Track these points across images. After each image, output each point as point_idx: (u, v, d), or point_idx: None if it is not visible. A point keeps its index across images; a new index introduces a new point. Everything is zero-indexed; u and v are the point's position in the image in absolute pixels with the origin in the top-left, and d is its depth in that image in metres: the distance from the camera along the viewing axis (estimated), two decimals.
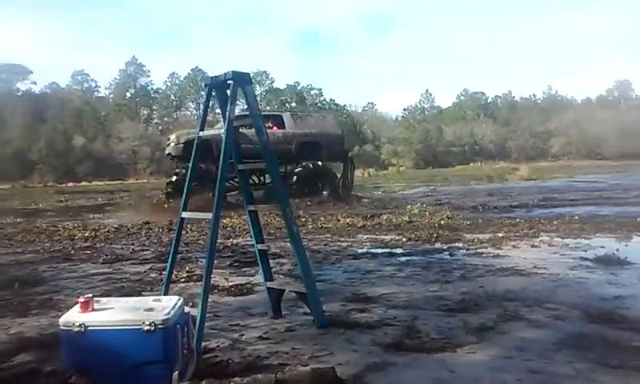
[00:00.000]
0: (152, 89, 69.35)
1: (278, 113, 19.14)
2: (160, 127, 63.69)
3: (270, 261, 4.72)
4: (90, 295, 2.93)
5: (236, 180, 16.14)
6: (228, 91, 4.01)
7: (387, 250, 7.73)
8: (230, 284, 5.65)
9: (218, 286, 5.46)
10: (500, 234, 8.79)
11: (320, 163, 16.56)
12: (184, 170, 16.22)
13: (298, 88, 70.39)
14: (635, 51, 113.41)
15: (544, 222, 10.30)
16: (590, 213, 11.78)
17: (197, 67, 68.62)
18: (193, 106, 68.73)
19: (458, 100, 78.50)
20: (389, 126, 73.76)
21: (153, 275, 6.31)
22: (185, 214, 4.11)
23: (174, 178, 16.37)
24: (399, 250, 7.71)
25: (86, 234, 10.21)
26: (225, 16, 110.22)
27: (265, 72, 69.80)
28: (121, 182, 45.99)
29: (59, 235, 10.27)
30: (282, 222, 4.52)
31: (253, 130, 4.17)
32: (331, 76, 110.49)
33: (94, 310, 2.85)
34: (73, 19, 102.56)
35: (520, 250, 7.42)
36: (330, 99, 69.98)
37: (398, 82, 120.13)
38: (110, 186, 40.00)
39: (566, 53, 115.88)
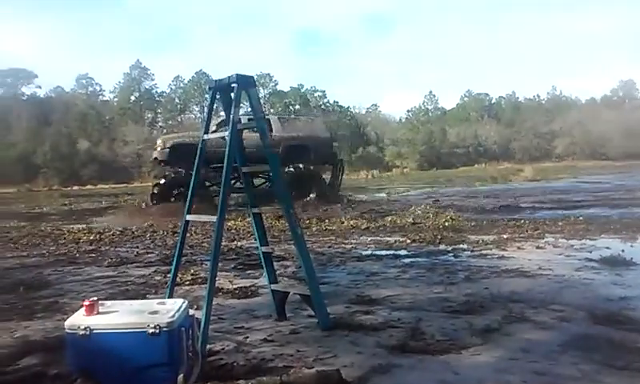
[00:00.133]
0: (156, 92, 69.59)
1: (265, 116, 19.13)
2: (164, 130, 63.79)
3: (274, 263, 4.71)
4: (95, 298, 2.94)
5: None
6: (232, 94, 4.03)
7: (391, 252, 7.72)
8: (235, 286, 5.65)
9: (222, 288, 5.46)
10: (505, 236, 8.77)
11: (304, 166, 16.58)
12: (172, 175, 16.36)
13: (302, 90, 70.41)
14: (638, 51, 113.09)
15: (549, 223, 10.28)
16: (594, 214, 11.74)
17: (201, 70, 68.80)
18: (197, 109, 68.79)
19: (462, 101, 78.42)
20: (392, 127, 73.72)
21: (157, 278, 6.32)
22: (189, 217, 4.12)
23: (161, 181, 16.53)
24: (403, 252, 7.71)
25: (91, 238, 10.23)
26: (225, 17, 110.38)
27: (268, 74, 69.90)
28: (125, 185, 46.05)
29: (64, 239, 10.29)
30: (286, 224, 4.52)
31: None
32: (333, 77, 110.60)
33: (99, 313, 2.86)
34: (76, 23, 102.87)
35: (525, 251, 7.41)
36: (334, 101, 70.05)
37: (399, 82, 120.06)
38: (114, 189, 40.09)
39: (570, 53, 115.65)
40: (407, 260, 7.06)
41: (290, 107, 65.75)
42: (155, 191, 16.21)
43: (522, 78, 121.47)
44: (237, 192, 13.89)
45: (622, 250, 6.66)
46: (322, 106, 68.87)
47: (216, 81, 4.10)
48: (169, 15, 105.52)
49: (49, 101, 61.40)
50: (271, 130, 16.70)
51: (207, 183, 15.84)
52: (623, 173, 31.31)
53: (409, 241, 8.60)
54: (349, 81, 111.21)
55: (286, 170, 15.95)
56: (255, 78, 4.19)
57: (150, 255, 8.18)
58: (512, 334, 3.87)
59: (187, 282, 5.85)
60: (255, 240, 4.61)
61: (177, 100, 70.31)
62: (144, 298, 5.18)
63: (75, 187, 43.54)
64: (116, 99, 68.49)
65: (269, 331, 4.07)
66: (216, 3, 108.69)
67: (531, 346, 3.60)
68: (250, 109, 4.44)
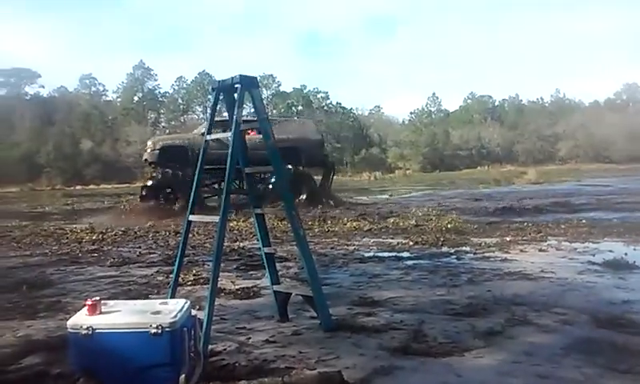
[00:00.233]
0: (159, 93, 69.73)
1: (255, 119, 19.03)
2: (167, 131, 63.92)
3: (277, 264, 4.71)
4: (98, 298, 2.94)
5: (215, 186, 16.34)
6: (235, 95, 4.03)
7: (394, 254, 7.72)
8: (237, 287, 5.65)
9: (224, 289, 5.46)
10: (507, 238, 8.76)
11: (294, 168, 16.58)
12: (160, 176, 16.41)
13: (305, 91, 70.45)
14: None
15: (552, 225, 10.26)
16: (597, 217, 11.71)
17: (204, 71, 68.87)
18: (200, 110, 68.93)
19: (465, 103, 78.33)
20: (395, 129, 73.70)
21: (160, 278, 6.32)
22: (192, 217, 4.12)
23: (149, 183, 16.62)
24: (406, 254, 7.69)
25: (94, 237, 10.25)
26: (227, 18, 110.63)
27: (271, 75, 70.00)
28: (128, 185, 46.05)
29: (67, 238, 10.31)
30: (289, 225, 4.52)
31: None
32: (335, 78, 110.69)
33: (101, 312, 2.86)
34: (79, 23, 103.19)
35: (528, 254, 7.39)
36: (337, 103, 70.04)
37: (402, 84, 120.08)
38: (117, 189, 40.12)
39: (574, 55, 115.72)
40: (410, 262, 7.05)
41: (293, 108, 65.79)
42: (144, 193, 16.30)
43: (526, 81, 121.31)
44: (236, 193, 13.92)
45: (625, 254, 6.64)
46: (325, 108, 68.91)
47: (219, 81, 4.10)
48: (170, 16, 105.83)
49: (52, 101, 61.55)
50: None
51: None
52: (627, 176, 31.24)
53: (411, 243, 8.60)
54: (351, 82, 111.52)
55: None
56: (258, 78, 4.19)
57: (152, 255, 8.18)
58: (515, 336, 3.86)
59: (189, 283, 5.85)
60: (258, 241, 4.61)
61: (180, 100, 70.45)
62: (146, 298, 5.19)
63: (78, 187, 43.54)
64: (119, 99, 68.65)
65: (271, 332, 4.07)
66: (219, 4, 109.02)
67: (534, 349, 3.59)
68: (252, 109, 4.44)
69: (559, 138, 65.03)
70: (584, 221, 10.71)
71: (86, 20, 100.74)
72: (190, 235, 5.33)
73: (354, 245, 8.72)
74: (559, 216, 12.20)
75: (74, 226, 12.54)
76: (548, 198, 17.32)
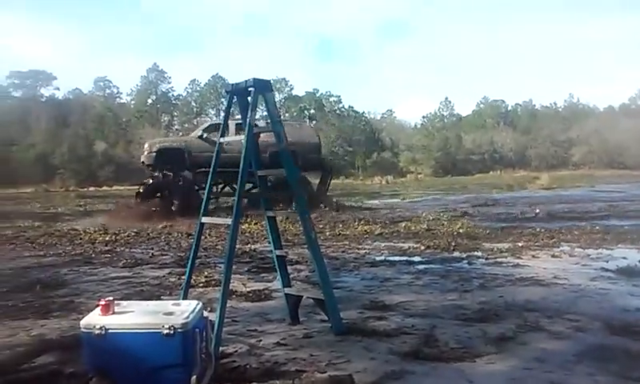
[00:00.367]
0: (173, 95, 70.22)
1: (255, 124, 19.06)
2: (181, 133, 64.28)
3: (288, 267, 4.72)
4: (111, 298, 2.96)
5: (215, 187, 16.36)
6: (249, 98, 4.05)
7: (405, 258, 7.70)
8: (248, 289, 5.67)
9: (236, 291, 5.48)
10: (520, 244, 8.70)
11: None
12: (156, 178, 16.50)
13: (317, 95, 70.55)
14: None
15: (564, 231, 10.17)
16: (611, 223, 11.60)
17: (217, 74, 69.32)
18: (213, 112, 69.24)
19: (478, 108, 78.00)
20: (407, 133, 73.56)
21: (172, 279, 6.36)
22: (204, 219, 4.15)
23: (143, 186, 16.68)
24: (417, 258, 7.68)
25: (107, 238, 10.34)
26: (240, 21, 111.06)
27: (284, 79, 70.22)
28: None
29: (80, 239, 10.41)
30: (300, 228, 4.52)
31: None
32: (348, 82, 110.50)
33: (114, 313, 2.88)
34: (95, 26, 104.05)
35: (540, 259, 7.34)
36: (349, 106, 70.09)
37: (414, 88, 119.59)
38: (130, 190, 40.34)
39: (588, 61, 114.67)
40: (421, 266, 7.03)
41: (305, 112, 65.91)
42: (140, 191, 16.44)
43: (539, 85, 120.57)
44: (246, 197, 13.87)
45: (639, 261, 6.57)
46: (337, 111, 68.95)
47: (233, 84, 4.13)
48: (184, 18, 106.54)
49: (67, 102, 62.23)
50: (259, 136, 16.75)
51: (196, 187, 15.92)
52: None
53: (423, 247, 8.57)
54: (364, 86, 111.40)
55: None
56: (271, 82, 4.21)
57: (164, 257, 8.23)
58: (527, 343, 3.83)
59: (201, 284, 5.88)
60: (269, 243, 4.62)
61: (193, 103, 70.90)
62: (159, 299, 5.22)
63: (92, 188, 43.94)
64: (133, 102, 69.24)
65: (282, 335, 4.08)
66: (231, 8, 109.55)
67: (546, 355, 3.56)
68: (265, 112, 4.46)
69: (573, 144, 64.49)
70: (597, 227, 10.62)
71: (101, 23, 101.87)
72: (202, 237, 5.35)
73: (365, 248, 8.71)
74: (572, 223, 12.07)
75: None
76: (561, 204, 17.18)
